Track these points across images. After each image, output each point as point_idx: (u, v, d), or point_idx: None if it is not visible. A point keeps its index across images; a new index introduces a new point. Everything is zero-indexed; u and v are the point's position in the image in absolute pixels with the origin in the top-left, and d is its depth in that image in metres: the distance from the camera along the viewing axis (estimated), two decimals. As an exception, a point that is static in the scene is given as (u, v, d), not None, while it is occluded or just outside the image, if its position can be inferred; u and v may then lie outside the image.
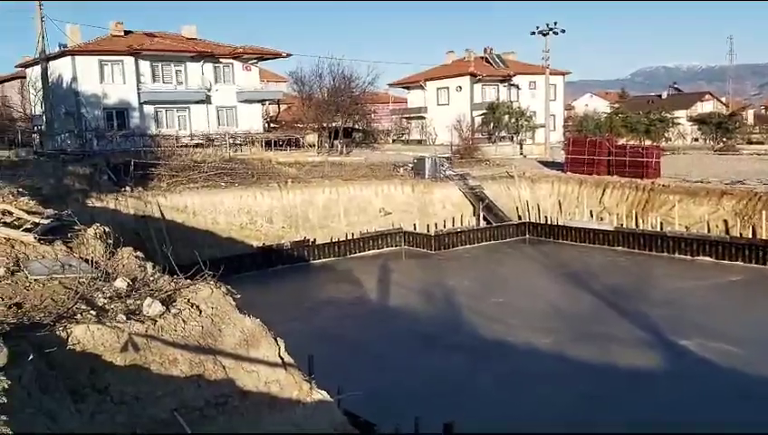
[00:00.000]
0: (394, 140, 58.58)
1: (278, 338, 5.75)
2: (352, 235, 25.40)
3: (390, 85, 63.73)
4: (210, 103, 38.88)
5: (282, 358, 5.68)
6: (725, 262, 20.70)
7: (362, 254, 24.41)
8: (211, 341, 5.44)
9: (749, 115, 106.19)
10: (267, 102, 46.91)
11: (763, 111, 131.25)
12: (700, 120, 71.12)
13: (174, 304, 5.71)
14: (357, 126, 51.26)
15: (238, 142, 36.85)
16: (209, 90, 38.73)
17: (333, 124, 43.57)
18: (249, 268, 21.31)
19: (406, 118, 61.82)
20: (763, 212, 22.13)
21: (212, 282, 6.07)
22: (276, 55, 42.31)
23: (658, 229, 24.35)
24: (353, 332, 15.43)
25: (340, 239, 24.79)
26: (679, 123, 69.13)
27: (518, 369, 12.59)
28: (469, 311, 16.57)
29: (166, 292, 5.97)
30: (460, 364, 13.01)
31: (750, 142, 65.98)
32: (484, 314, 16.12)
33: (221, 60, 39.35)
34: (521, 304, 17.22)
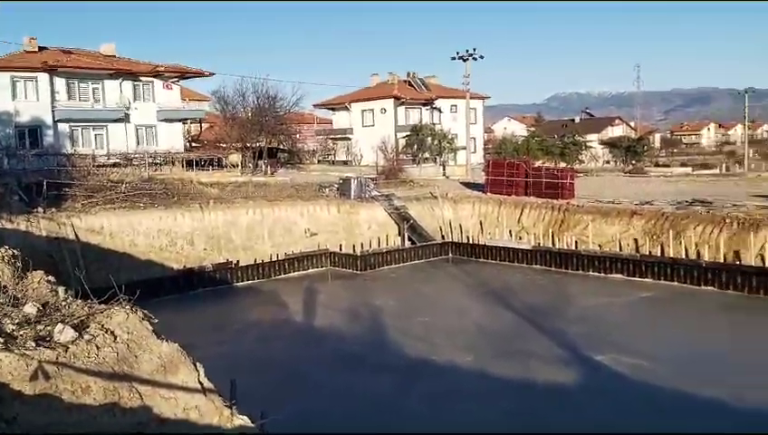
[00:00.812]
0: (319, 161, 58.59)
1: (197, 363, 5.62)
2: (277, 256, 25.15)
3: (316, 106, 63.85)
4: (129, 122, 37.83)
5: (201, 383, 5.55)
6: (636, 279, 21.65)
7: (288, 275, 24.19)
8: (126, 367, 5.27)
9: (656, 139, 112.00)
10: (189, 121, 46.05)
11: (669, 136, 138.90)
12: (611, 144, 74.57)
13: (87, 329, 5.50)
14: (282, 146, 50.99)
15: (158, 162, 35.95)
16: (128, 108, 37.68)
17: (257, 144, 43.16)
18: (169, 292, 20.72)
19: (331, 138, 62.02)
20: (671, 231, 23.34)
21: (128, 306, 5.89)
22: (198, 74, 41.66)
23: (573, 248, 25.28)
24: (279, 354, 15.25)
25: (265, 261, 24.50)
26: (591, 146, 72.24)
27: (443, 387, 12.74)
28: (395, 331, 16.68)
29: (78, 317, 5.74)
30: (386, 384, 13.06)
31: (657, 165, 69.60)
32: (410, 334, 16.26)
33: (141, 78, 38.42)
34: (445, 323, 17.46)
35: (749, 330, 16.30)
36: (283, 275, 24.08)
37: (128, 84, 37.84)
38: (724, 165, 72.31)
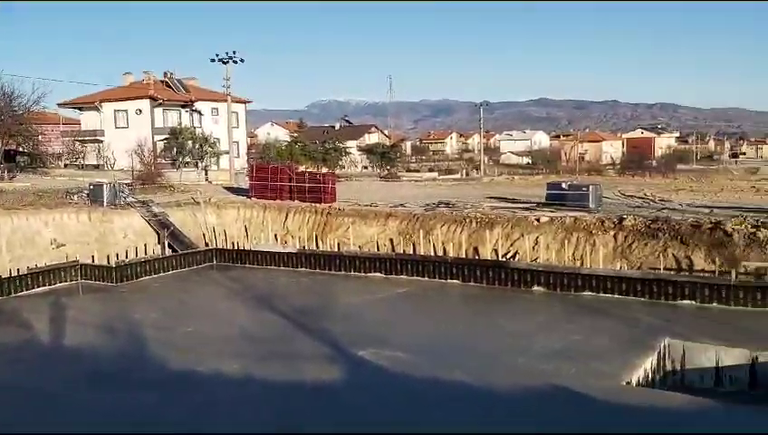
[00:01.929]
0: (66, 165, 53.71)
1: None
2: (18, 271, 22.61)
3: (60, 105, 58.39)
4: None
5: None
6: (393, 276, 23.22)
7: (31, 292, 21.85)
8: None
9: (407, 146, 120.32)
10: None
11: (418, 143, 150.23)
12: (368, 150, 78.71)
13: None
14: (21, 148, 45.82)
15: None
16: None
17: (-9, 146, 38.36)
18: None
19: (80, 141, 57.14)
20: (421, 231, 25.44)
21: None
22: None
23: (336, 250, 26.35)
24: (24, 378, 13.77)
25: (3, 277, 21.89)
26: (351, 152, 75.53)
27: (209, 397, 12.53)
28: (158, 343, 15.97)
29: None
30: (150, 400, 12.48)
31: (408, 170, 74.96)
32: (174, 345, 15.71)
33: None
34: (210, 332, 17.15)
35: (487, 317, 18.40)
36: (25, 292, 21.71)
37: None
38: (464, 170, 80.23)
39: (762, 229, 20.87)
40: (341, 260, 24.70)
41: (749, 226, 21.42)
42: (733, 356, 14.73)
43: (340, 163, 67.44)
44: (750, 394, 14.18)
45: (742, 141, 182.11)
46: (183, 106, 54.16)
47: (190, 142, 49.39)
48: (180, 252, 26.90)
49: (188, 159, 49.39)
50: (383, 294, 21.11)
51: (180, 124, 51.58)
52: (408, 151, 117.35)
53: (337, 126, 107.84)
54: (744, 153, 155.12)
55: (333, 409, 11.73)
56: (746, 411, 12.14)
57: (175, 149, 49.08)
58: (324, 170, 50.80)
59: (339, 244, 27.09)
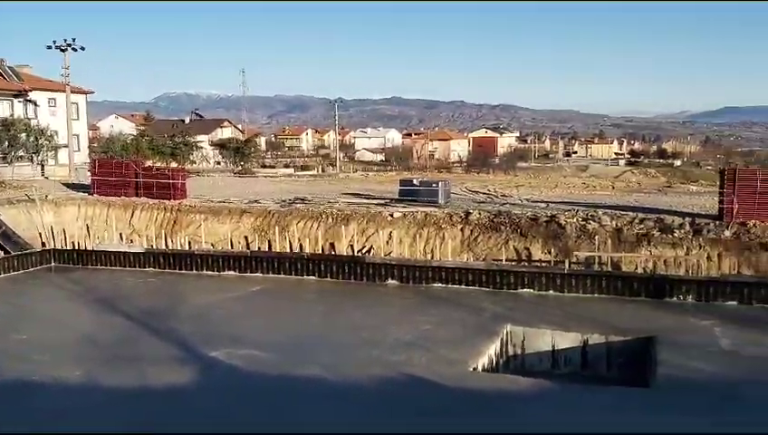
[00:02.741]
0: None
1: None
2: None
3: None
4: None
5: None
6: (248, 274, 22.84)
7: None
8: None
9: (262, 142, 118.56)
10: None
11: (273, 139, 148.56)
12: (221, 145, 76.69)
13: None
14: None
15: None
16: None
17: None
18: None
19: None
20: (277, 227, 25.23)
21: None
22: None
23: (187, 248, 25.47)
24: None
25: None
26: (202, 147, 73.18)
27: (47, 407, 11.68)
28: (-15, 353, 14.63)
29: None
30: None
31: (263, 166, 73.89)
32: (7, 354, 14.47)
33: None
34: (48, 338, 15.96)
35: (343, 312, 18.61)
36: None
37: None
38: (320, 166, 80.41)
39: (591, 222, 22.80)
40: (193, 259, 23.92)
41: (580, 219, 23.32)
42: (567, 340, 16.03)
43: (191, 158, 65.12)
44: (582, 374, 15.50)
45: (574, 141, 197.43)
46: (16, 96, 49.82)
47: (24, 135, 45.48)
48: (13, 253, 24.74)
49: (22, 153, 45.53)
50: (237, 293, 20.73)
51: (12, 115, 47.41)
52: (263, 147, 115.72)
53: (187, 120, 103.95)
54: (576, 152, 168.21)
55: (184, 412, 11.37)
56: (579, 390, 13.27)
57: (6, 143, 45.03)
58: (174, 166, 48.85)
59: (190, 242, 26.20)
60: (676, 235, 21.27)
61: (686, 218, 22.98)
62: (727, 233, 21.10)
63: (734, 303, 18.02)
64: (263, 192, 34.24)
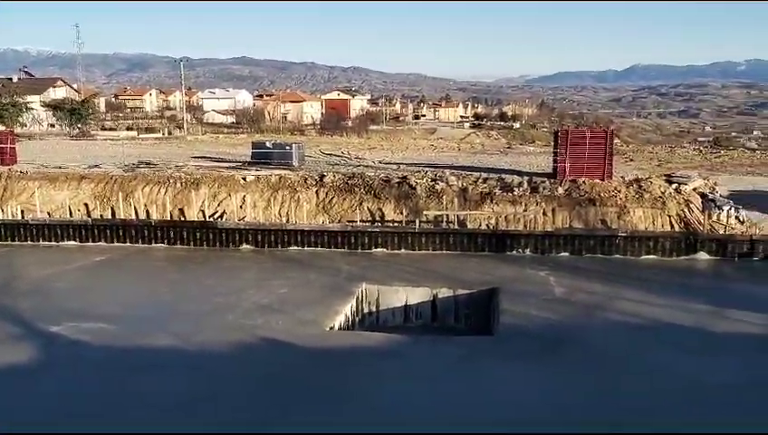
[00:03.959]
0: None
1: None
2: None
3: None
4: None
5: None
6: (90, 244, 21.55)
7: None
8: None
9: (101, 103, 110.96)
10: None
11: (114, 99, 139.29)
12: (54, 106, 70.74)
13: None
14: None
15: None
16: None
17: None
18: None
19: None
20: (120, 193, 23.88)
21: None
22: None
23: (20, 218, 23.51)
24: None
25: None
26: (33, 108, 67.22)
27: None
28: None
29: None
30: None
31: (104, 128, 69.29)
32: None
33: None
34: None
35: (196, 279, 18.11)
36: None
37: None
38: (166, 129, 76.76)
39: (439, 182, 23.71)
40: (27, 229, 22.15)
41: (429, 179, 24.18)
42: (418, 295, 16.75)
43: (21, 120, 59.65)
44: (433, 326, 16.31)
45: (422, 104, 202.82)
46: None
47: None
48: None
49: None
50: (79, 264, 19.50)
51: None
52: (103, 108, 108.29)
53: (15, 78, 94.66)
54: (425, 115, 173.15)
55: (22, 393, 10.65)
56: (430, 341, 13.95)
57: None
58: (1, 129, 44.55)
59: (23, 211, 24.13)
60: (515, 193, 22.66)
61: (525, 177, 24.55)
62: (560, 190, 22.79)
63: (567, 254, 19.68)
64: (103, 156, 32.18)
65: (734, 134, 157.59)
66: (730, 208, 22.48)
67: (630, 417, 9.53)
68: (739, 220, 22.21)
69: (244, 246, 20.93)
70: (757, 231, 20.58)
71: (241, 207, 23.74)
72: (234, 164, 29.25)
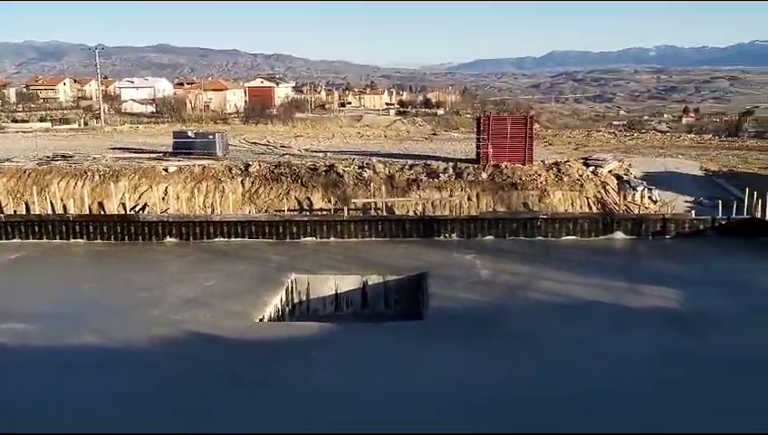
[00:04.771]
0: None
1: None
2: None
3: None
4: None
5: None
6: (2, 241, 20.57)
7: None
8: None
9: (11, 93, 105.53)
10: None
11: (25, 90, 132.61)
12: (-42, 97, 66.74)
13: None
14: None
15: None
16: None
17: None
18: None
19: None
20: (35, 187, 22.89)
21: None
22: None
23: (-76, 217, 22.19)
24: None
25: None
26: (-66, 99, 63.32)
27: None
28: None
29: None
30: None
31: (15, 121, 65.95)
32: None
33: None
34: None
35: (118, 274, 17.59)
36: None
37: None
38: (82, 120, 73.80)
39: (366, 170, 23.86)
40: (-69, 228, 20.90)
41: (356, 167, 24.29)
42: (348, 283, 16.83)
43: None
44: (363, 314, 16.44)
45: (348, 92, 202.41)
46: None
47: None
48: None
49: None
50: (-8, 262, 18.58)
51: None
52: (13, 99, 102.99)
53: None
54: (350, 102, 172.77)
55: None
56: (360, 328, 14.07)
57: None
58: None
59: (-74, 209, 22.80)
60: (441, 178, 23.08)
61: (450, 163, 25.01)
62: (484, 175, 23.36)
63: (491, 237, 20.17)
64: (15, 149, 30.68)
65: (646, 117, 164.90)
66: (644, 189, 23.62)
67: (553, 391, 9.94)
68: (652, 200, 23.37)
69: (168, 239, 20.46)
70: (669, 210, 21.71)
71: (163, 198, 23.18)
72: (155, 155, 28.47)
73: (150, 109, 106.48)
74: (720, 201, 22.11)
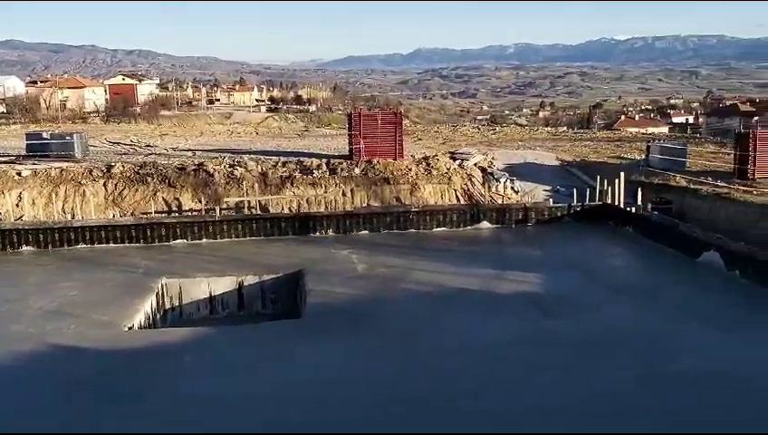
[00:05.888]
0: None
1: None
2: None
3: None
4: None
5: None
6: None
7: None
8: None
9: None
10: None
11: None
12: None
13: None
14: None
15: None
16: None
17: None
18: None
19: None
20: None
21: None
22: None
23: None
24: None
25: None
26: None
27: None
28: None
29: None
30: None
31: None
32: None
33: None
34: None
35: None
36: None
37: None
38: None
39: (237, 168, 23.44)
40: None
41: (227, 166, 23.79)
42: (223, 284, 16.49)
43: None
44: (239, 315, 16.17)
45: (216, 88, 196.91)
46: None
47: None
48: None
49: None
50: None
51: None
52: None
53: None
54: (219, 99, 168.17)
55: None
56: (237, 330, 13.84)
57: None
58: None
59: None
60: (315, 175, 23.12)
61: (323, 160, 25.10)
62: (357, 171, 23.65)
63: (366, 232, 20.50)
64: None
65: (506, 112, 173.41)
66: (506, 180, 24.90)
67: (428, 382, 10.31)
68: (514, 190, 24.68)
69: (25, 247, 19.08)
70: (529, 199, 23.02)
71: (18, 205, 21.57)
72: (6, 158, 26.41)
73: (0, 109, 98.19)
74: (575, 189, 23.74)
